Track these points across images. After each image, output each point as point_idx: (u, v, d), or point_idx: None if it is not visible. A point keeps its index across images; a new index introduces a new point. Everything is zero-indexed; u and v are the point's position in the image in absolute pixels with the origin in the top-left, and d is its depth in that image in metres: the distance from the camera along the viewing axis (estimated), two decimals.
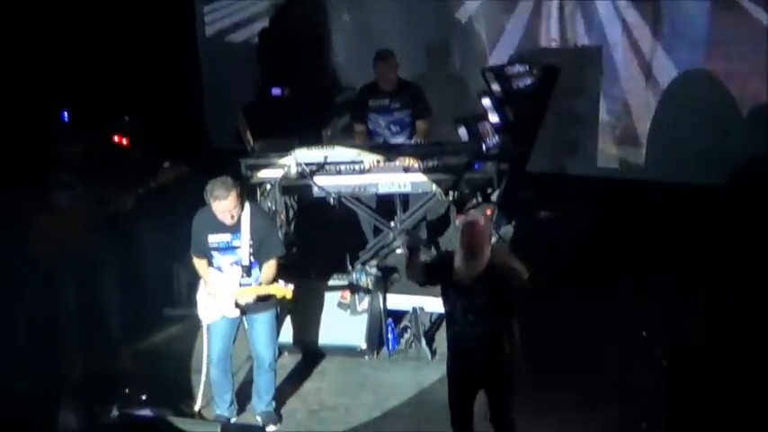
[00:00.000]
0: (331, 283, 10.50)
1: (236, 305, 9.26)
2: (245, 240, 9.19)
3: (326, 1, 13.91)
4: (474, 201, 10.58)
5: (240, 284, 9.24)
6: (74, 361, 9.97)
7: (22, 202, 10.05)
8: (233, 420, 9.45)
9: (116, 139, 11.10)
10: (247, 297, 9.23)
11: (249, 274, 9.25)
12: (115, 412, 9.12)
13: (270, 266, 9.27)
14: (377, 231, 11.03)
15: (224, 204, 9.03)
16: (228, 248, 9.22)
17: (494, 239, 9.63)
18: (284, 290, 9.21)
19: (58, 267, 10.04)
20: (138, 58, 12.31)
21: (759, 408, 8.53)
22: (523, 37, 13.29)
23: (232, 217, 9.11)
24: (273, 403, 9.56)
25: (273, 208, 10.67)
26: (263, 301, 9.33)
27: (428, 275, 8.78)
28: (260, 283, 9.28)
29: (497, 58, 13.04)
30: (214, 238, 9.21)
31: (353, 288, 10.44)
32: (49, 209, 10.04)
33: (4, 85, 11.45)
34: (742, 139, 12.12)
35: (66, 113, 11.08)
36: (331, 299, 10.45)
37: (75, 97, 11.06)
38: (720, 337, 9.29)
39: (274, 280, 9.27)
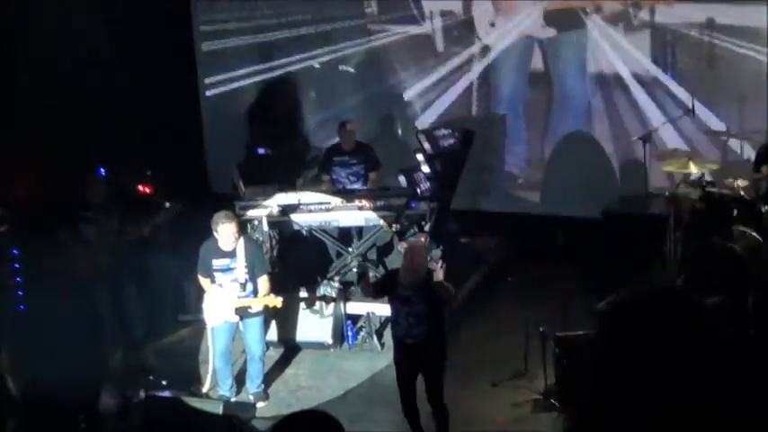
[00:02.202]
0: (304, 294, 10.44)
1: (236, 312, 9.29)
2: (240, 263, 9.18)
3: (299, 81, 13.63)
4: (412, 231, 10.70)
5: (238, 297, 9.25)
6: (112, 354, 9.94)
7: (63, 235, 10.12)
8: (233, 399, 9.43)
9: (141, 188, 11.15)
10: (250, 306, 9.28)
11: (244, 289, 9.26)
12: (142, 394, 9.05)
13: (264, 281, 9.32)
14: (339, 255, 10.95)
15: (229, 227, 9.08)
16: (228, 269, 9.20)
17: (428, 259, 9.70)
18: (275, 301, 9.26)
19: (91, 283, 10.05)
20: (155, 127, 12.36)
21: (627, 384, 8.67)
22: (448, 108, 13.21)
23: (235, 240, 9.12)
24: (262, 386, 9.59)
25: (261, 238, 10.58)
26: (256, 309, 9.35)
27: (377, 291, 8.91)
28: (255, 296, 9.30)
29: (428, 123, 12.99)
30: (217, 262, 9.22)
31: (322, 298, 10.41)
32: (82, 239, 10.08)
33: (51, 147, 11.50)
34: (613, 184, 12.26)
35: (102, 170, 11.14)
36: (305, 306, 10.41)
37: (109, 158, 11.15)
38: (597, 331, 9.41)
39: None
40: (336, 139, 11.80)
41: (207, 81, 14.10)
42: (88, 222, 10.10)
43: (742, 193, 10.22)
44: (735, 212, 10.03)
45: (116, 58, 12.33)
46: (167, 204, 10.39)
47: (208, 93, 14.12)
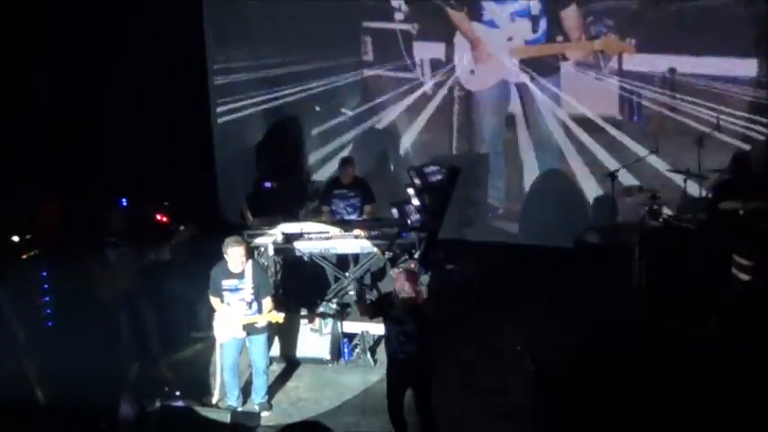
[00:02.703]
0: (305, 313, 10.44)
1: (243, 329, 9.34)
2: (247, 284, 9.27)
3: (302, 120, 13.84)
4: (403, 258, 10.69)
5: (245, 315, 9.31)
6: (131, 367, 9.99)
7: (88, 258, 10.16)
8: (239, 409, 9.43)
9: (158, 217, 11.25)
10: (253, 322, 9.31)
11: (250, 308, 9.31)
12: (158, 404, 8.82)
13: (268, 302, 9.40)
14: (336, 279, 10.93)
15: (238, 250, 9.18)
16: (236, 290, 9.28)
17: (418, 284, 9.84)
18: (277, 317, 9.34)
19: (113, 303, 10.08)
20: (174, 163, 12.51)
21: (596, 401, 8.64)
22: (436, 147, 13.44)
23: (243, 262, 9.20)
24: (266, 397, 9.63)
25: (266, 263, 10.58)
26: (261, 326, 9.44)
27: (373, 312, 9.03)
28: (260, 313, 9.35)
29: (418, 161, 13.06)
30: (226, 283, 9.29)
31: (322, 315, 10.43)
32: (104, 262, 10.08)
33: (77, 178, 11.66)
34: (583, 216, 12.44)
35: (124, 200, 11.25)
36: (305, 325, 10.42)
37: (131, 190, 11.28)
38: (569, 351, 9.46)
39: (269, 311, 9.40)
40: (335, 173, 11.90)
41: (219, 110, 14.27)
42: (110, 247, 10.10)
43: None
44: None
45: (136, 98, 12.49)
46: (182, 227, 10.44)
47: (219, 120, 14.26)
